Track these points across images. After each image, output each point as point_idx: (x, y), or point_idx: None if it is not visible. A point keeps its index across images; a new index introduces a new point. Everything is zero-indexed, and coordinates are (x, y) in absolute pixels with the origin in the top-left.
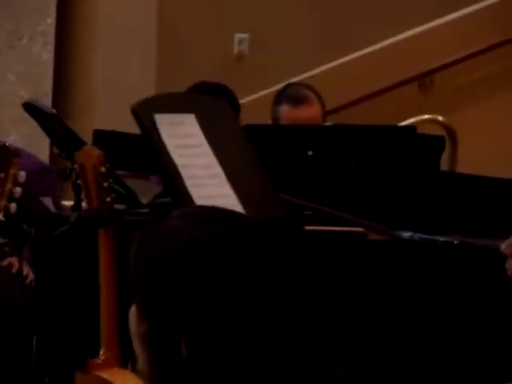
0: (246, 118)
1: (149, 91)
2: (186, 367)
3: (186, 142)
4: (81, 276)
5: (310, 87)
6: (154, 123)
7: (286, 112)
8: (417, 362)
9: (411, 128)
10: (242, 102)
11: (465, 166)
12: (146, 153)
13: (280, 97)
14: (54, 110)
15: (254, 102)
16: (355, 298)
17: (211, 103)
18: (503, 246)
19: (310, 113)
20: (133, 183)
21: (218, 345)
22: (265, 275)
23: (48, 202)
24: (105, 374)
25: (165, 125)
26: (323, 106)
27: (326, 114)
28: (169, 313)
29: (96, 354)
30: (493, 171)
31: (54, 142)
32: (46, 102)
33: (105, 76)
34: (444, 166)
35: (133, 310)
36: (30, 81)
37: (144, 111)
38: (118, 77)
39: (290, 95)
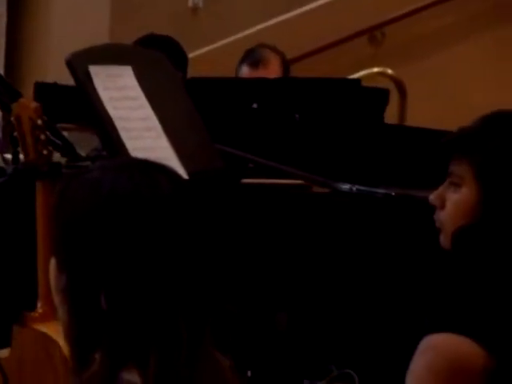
0: (201, 70)
1: None
2: (106, 319)
3: (122, 94)
4: (18, 229)
5: (275, 50)
6: (88, 75)
7: (245, 73)
8: (357, 310)
9: (355, 81)
10: (196, 54)
11: (414, 120)
12: (83, 104)
13: (243, 57)
14: None
15: (209, 54)
16: (294, 249)
17: (149, 55)
18: (431, 197)
19: (266, 75)
20: (78, 136)
21: (137, 296)
22: (187, 227)
23: None
24: (42, 328)
25: (100, 77)
26: (286, 69)
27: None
28: (88, 265)
29: (33, 308)
30: (443, 124)
31: None
32: (0, 58)
33: (58, 31)
34: (393, 119)
35: (52, 263)
36: None
37: (79, 63)
38: (71, 31)
39: (251, 56)
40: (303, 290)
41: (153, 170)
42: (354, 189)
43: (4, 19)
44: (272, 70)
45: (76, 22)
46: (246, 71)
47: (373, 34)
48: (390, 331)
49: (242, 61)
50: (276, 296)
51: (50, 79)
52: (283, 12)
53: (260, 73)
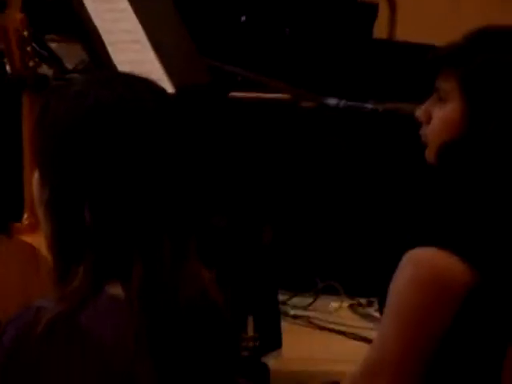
0: None
1: None
2: (89, 232)
3: (109, 6)
4: (4, 141)
5: None
6: None
7: None
8: (342, 224)
9: None
10: None
11: (404, 35)
12: (70, 16)
13: None
14: None
15: None
16: (281, 163)
17: None
18: (418, 113)
19: None
20: (65, 48)
21: (121, 208)
22: (171, 140)
23: None
24: (28, 238)
25: None
26: None
27: None
28: (72, 177)
29: (20, 219)
30: (432, 38)
31: None
32: None
33: None
34: (384, 34)
35: (36, 176)
36: None
37: None
38: None
39: None
40: (289, 204)
41: (137, 83)
42: (341, 103)
43: None
44: None
45: None
46: None
47: None
48: (375, 244)
49: None
50: (262, 210)
51: None
52: None
53: None
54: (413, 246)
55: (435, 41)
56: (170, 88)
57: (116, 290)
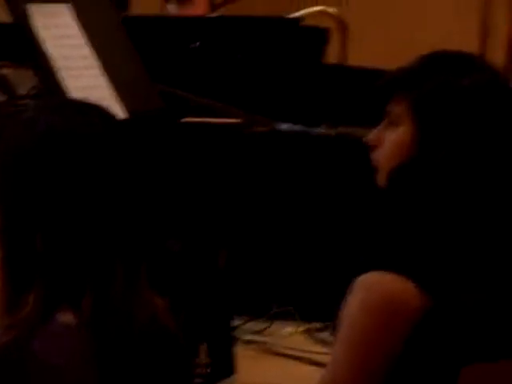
0: (142, 8)
1: None
2: (40, 259)
3: (60, 32)
4: None
5: None
6: (27, 13)
7: (173, 10)
8: (296, 247)
9: (295, 19)
10: None
11: (355, 60)
12: (22, 43)
13: None
14: None
15: None
16: (234, 187)
17: None
18: (369, 137)
19: (194, 11)
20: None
21: (72, 236)
22: (122, 166)
23: None
24: None
25: (38, 15)
26: (212, 4)
27: (219, 5)
28: (24, 204)
29: None
30: (384, 64)
31: None
32: None
33: None
34: (334, 58)
35: None
36: None
37: (17, 1)
38: None
39: None
40: (243, 228)
41: (87, 109)
42: (294, 128)
43: None
44: (199, 5)
45: None
46: (173, 9)
47: None
48: (329, 268)
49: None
50: (217, 234)
51: None
52: None
53: (187, 10)
54: (365, 270)
55: (387, 65)
56: (122, 114)
57: (67, 317)
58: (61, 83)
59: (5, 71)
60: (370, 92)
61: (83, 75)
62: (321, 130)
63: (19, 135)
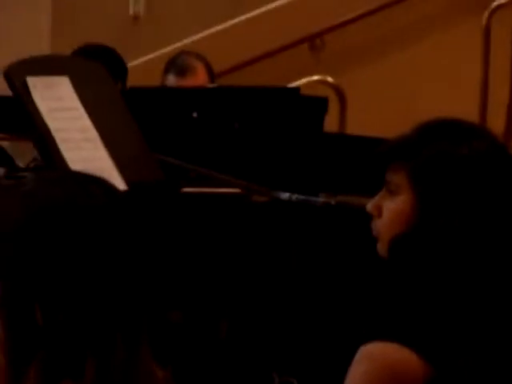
0: (143, 79)
1: None
2: (40, 333)
3: (59, 104)
4: None
5: (198, 56)
6: (26, 86)
7: (172, 82)
8: (298, 317)
9: (294, 89)
10: (138, 62)
11: (354, 128)
12: (21, 115)
13: (168, 66)
14: None
15: (150, 62)
16: (235, 258)
17: (86, 65)
18: (368, 206)
19: (194, 83)
20: (17, 146)
21: (72, 308)
22: (122, 238)
23: None
24: None
25: (38, 87)
26: (211, 74)
27: (219, 75)
28: (22, 277)
29: None
30: (382, 133)
31: None
32: None
33: None
34: (334, 127)
35: None
36: None
37: (16, 74)
38: (11, 42)
39: (177, 65)
40: (244, 298)
41: (87, 181)
42: (294, 197)
43: None
44: (199, 77)
45: (16, 33)
46: (173, 81)
47: (313, 41)
48: (331, 338)
49: (168, 70)
50: (218, 304)
51: None
52: (224, 20)
53: (188, 81)
54: (367, 340)
55: (385, 134)
56: (122, 185)
57: None
58: (60, 155)
59: (4, 143)
60: (368, 160)
61: (82, 147)
62: (320, 198)
63: (18, 208)
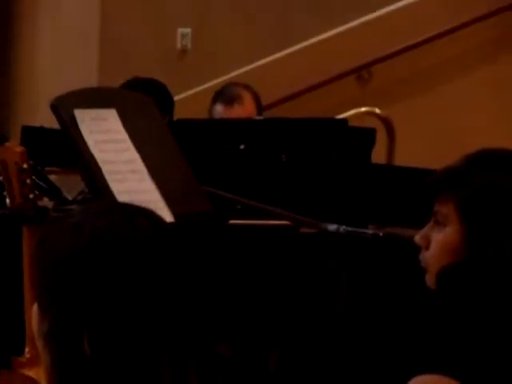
0: (190, 112)
1: None
2: (89, 364)
3: (106, 137)
4: (4, 274)
5: (246, 87)
6: (73, 119)
7: (220, 111)
8: (348, 348)
9: (342, 121)
10: (185, 95)
11: (402, 159)
12: (69, 148)
13: (216, 96)
14: None
15: (197, 95)
16: (284, 289)
17: (133, 98)
18: (417, 238)
19: (242, 112)
20: (64, 179)
21: (119, 341)
22: (169, 269)
23: None
24: (30, 372)
25: (85, 120)
26: (259, 104)
27: (266, 107)
28: (70, 309)
29: (21, 353)
30: (430, 164)
31: None
32: None
33: (47, 76)
34: (382, 158)
35: (35, 308)
36: None
37: (64, 107)
38: (60, 76)
39: (224, 95)
40: (294, 330)
41: (133, 212)
42: (342, 229)
43: None
44: (247, 106)
45: (65, 65)
46: (220, 110)
47: (360, 73)
48: (380, 370)
49: (215, 100)
50: (268, 336)
51: (39, 123)
52: (271, 53)
53: (236, 110)
54: (417, 373)
55: (433, 165)
56: (169, 217)
57: None
58: (107, 187)
59: (53, 177)
60: (416, 192)
61: (129, 179)
62: (368, 230)
63: (65, 240)
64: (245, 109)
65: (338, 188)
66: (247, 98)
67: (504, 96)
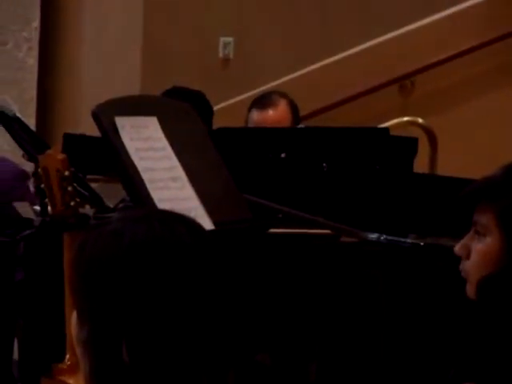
0: (231, 121)
1: None
2: (128, 372)
3: (147, 144)
4: (46, 281)
5: (282, 94)
6: (114, 126)
7: (254, 117)
8: (385, 358)
9: (384, 130)
10: (227, 104)
11: (445, 169)
12: (109, 156)
13: (252, 104)
14: (17, 113)
15: (239, 104)
16: (324, 299)
17: (173, 106)
18: (456, 248)
19: (275, 117)
20: (106, 187)
21: (158, 348)
22: (209, 277)
23: (25, 206)
24: (71, 380)
25: (126, 128)
26: (295, 112)
27: (308, 116)
28: (109, 316)
29: (62, 359)
30: (472, 174)
31: (19, 145)
32: (31, 108)
33: (90, 85)
34: (424, 168)
35: (74, 316)
36: (14, 86)
37: (105, 114)
38: (103, 85)
39: (259, 100)
40: (334, 340)
41: (172, 220)
42: (383, 238)
43: (35, 70)
44: (280, 112)
45: (108, 74)
46: (255, 115)
47: (403, 83)
48: (420, 380)
49: (251, 107)
50: (308, 346)
51: (81, 131)
52: (313, 62)
53: (269, 115)
54: (456, 383)
55: (476, 175)
56: (209, 225)
57: None
58: (148, 195)
59: (94, 185)
60: (457, 202)
61: (169, 187)
62: (409, 239)
63: (104, 246)
64: (278, 114)
65: (379, 197)
66: (282, 104)
67: None
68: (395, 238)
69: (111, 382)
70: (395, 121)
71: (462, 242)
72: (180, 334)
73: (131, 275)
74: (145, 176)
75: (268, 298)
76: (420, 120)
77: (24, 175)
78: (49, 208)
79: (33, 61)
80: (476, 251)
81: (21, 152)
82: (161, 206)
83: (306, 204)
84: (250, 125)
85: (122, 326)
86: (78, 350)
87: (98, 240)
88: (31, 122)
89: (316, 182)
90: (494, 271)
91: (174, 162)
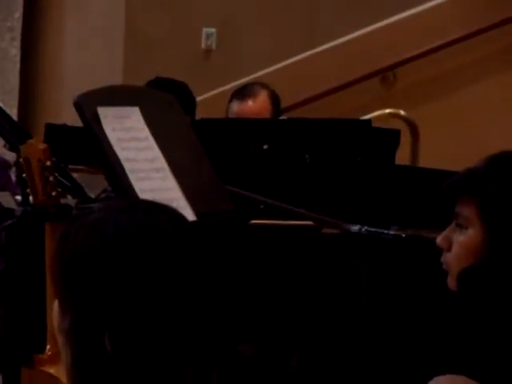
0: (213, 112)
1: None
2: (110, 362)
3: (129, 135)
4: (27, 271)
5: (263, 85)
6: (97, 116)
7: (233, 107)
8: (366, 349)
9: (366, 121)
10: (209, 95)
11: (427, 161)
12: (92, 146)
13: (232, 95)
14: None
15: (221, 95)
16: (305, 290)
17: (157, 96)
18: (438, 240)
19: (253, 107)
20: (87, 177)
21: (141, 338)
22: (190, 267)
23: (7, 196)
24: (51, 370)
25: (108, 118)
26: (275, 104)
27: (290, 108)
28: (92, 306)
29: (42, 350)
30: (454, 166)
31: (0, 135)
32: (13, 98)
33: (72, 74)
34: (406, 160)
35: (56, 305)
36: None
37: (87, 104)
38: (85, 75)
39: (239, 91)
40: (315, 331)
41: (155, 210)
42: (364, 230)
43: (18, 60)
44: (260, 103)
45: (90, 64)
46: (235, 106)
47: (385, 75)
48: (400, 370)
49: (232, 98)
50: (289, 337)
51: (63, 121)
52: (295, 54)
53: (248, 105)
54: (436, 374)
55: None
56: (191, 215)
57: None
58: (130, 185)
59: (76, 175)
60: (438, 194)
61: (151, 177)
62: (391, 231)
63: (87, 236)
64: (258, 105)
65: (361, 189)
66: (262, 95)
67: None
68: (377, 230)
69: (93, 372)
70: (377, 113)
71: (444, 233)
72: (163, 324)
73: (114, 264)
74: (127, 166)
75: (250, 288)
76: (402, 112)
77: (5, 165)
78: (30, 198)
79: (15, 51)
80: (457, 243)
81: (2, 142)
82: (143, 196)
83: (289, 195)
84: (230, 116)
85: (105, 315)
86: (60, 340)
87: (81, 230)
88: (13, 112)
89: (298, 173)
90: (475, 263)
91: (157, 152)
